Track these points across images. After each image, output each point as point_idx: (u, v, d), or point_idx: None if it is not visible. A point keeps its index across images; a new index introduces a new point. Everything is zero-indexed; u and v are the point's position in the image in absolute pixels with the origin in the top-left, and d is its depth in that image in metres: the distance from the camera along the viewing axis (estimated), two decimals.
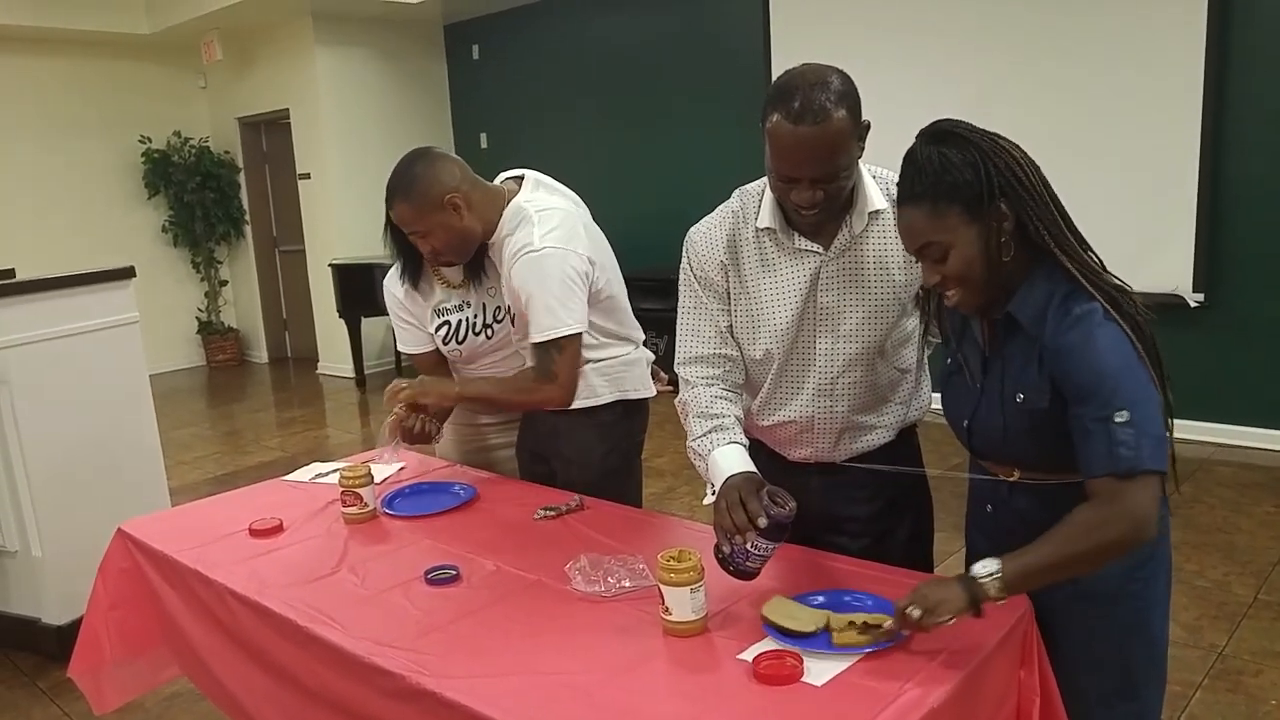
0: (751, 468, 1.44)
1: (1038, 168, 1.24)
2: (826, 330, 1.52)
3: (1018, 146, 1.25)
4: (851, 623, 1.24)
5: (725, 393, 1.56)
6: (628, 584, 1.45)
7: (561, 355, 1.82)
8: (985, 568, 1.17)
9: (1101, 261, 1.26)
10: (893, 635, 1.21)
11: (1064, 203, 1.26)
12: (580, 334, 1.84)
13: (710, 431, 1.50)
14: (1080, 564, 1.18)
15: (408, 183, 1.86)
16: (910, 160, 1.25)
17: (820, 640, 1.24)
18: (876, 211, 1.48)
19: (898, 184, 1.28)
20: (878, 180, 1.50)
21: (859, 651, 1.21)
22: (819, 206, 1.40)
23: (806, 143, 1.33)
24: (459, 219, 1.86)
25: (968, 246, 1.23)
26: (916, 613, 1.16)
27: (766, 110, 1.36)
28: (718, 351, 1.57)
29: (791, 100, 1.32)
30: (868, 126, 1.40)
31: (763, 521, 1.29)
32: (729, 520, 1.32)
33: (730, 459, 1.45)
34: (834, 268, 1.49)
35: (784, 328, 1.52)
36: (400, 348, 2.22)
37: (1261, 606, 2.77)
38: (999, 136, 1.24)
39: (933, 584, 1.22)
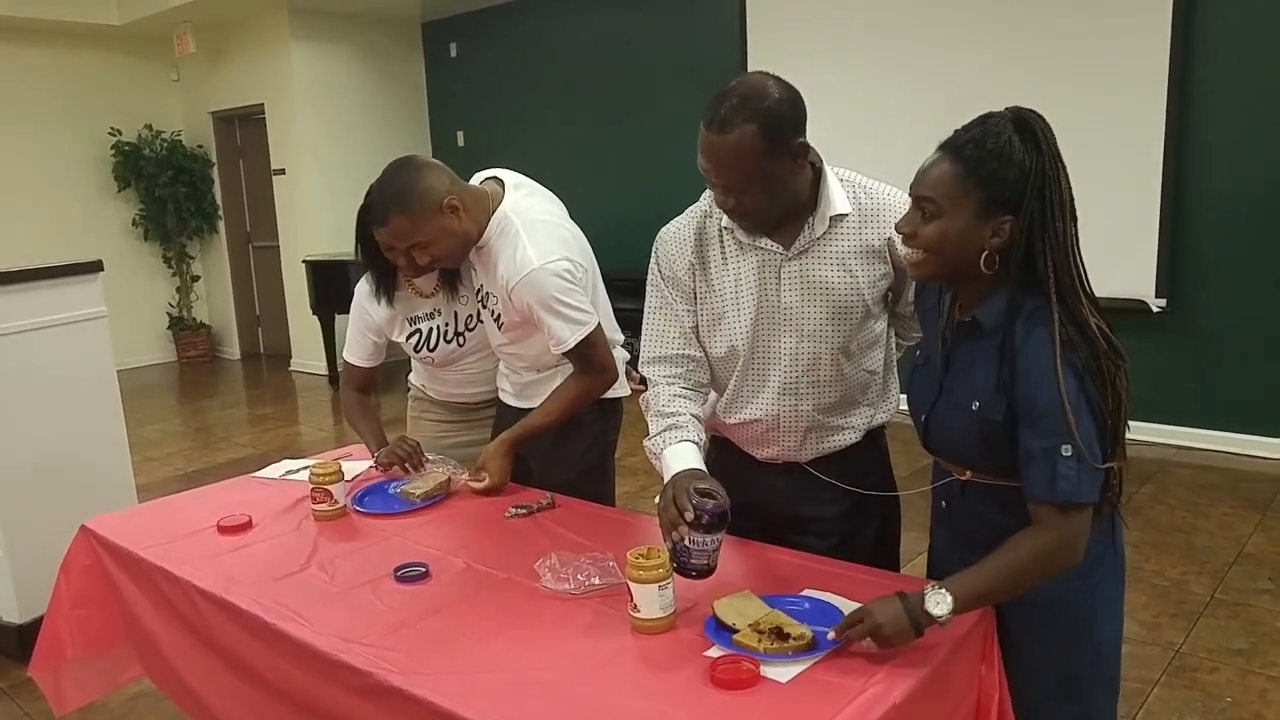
0: (697, 465, 1.45)
1: (1074, 212, 1.22)
2: (790, 330, 1.53)
3: (1068, 181, 1.21)
4: (753, 625, 1.25)
5: (685, 391, 1.58)
6: (597, 581, 1.46)
7: (594, 348, 1.88)
8: (941, 607, 1.18)
9: (1100, 319, 1.22)
10: (787, 652, 1.21)
11: None
12: (598, 322, 1.88)
13: (664, 430, 1.52)
14: (1021, 588, 1.25)
15: (400, 194, 1.79)
16: (982, 121, 1.21)
17: (724, 638, 1.26)
18: (840, 215, 1.50)
19: (959, 129, 1.23)
20: (844, 184, 1.52)
21: (769, 658, 1.20)
22: (735, 212, 1.46)
23: (712, 148, 1.39)
24: (459, 222, 1.83)
25: (954, 230, 1.22)
26: (873, 646, 1.19)
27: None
28: (681, 352, 1.59)
29: (717, 105, 1.38)
30: (804, 146, 1.43)
31: (689, 515, 1.31)
32: (664, 518, 1.36)
33: (679, 457, 1.47)
34: (794, 267, 1.51)
35: (744, 325, 1.54)
36: (346, 353, 2.18)
37: (1218, 605, 2.84)
38: (1062, 164, 1.21)
39: (883, 607, 1.20)
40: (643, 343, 1.64)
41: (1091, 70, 4.25)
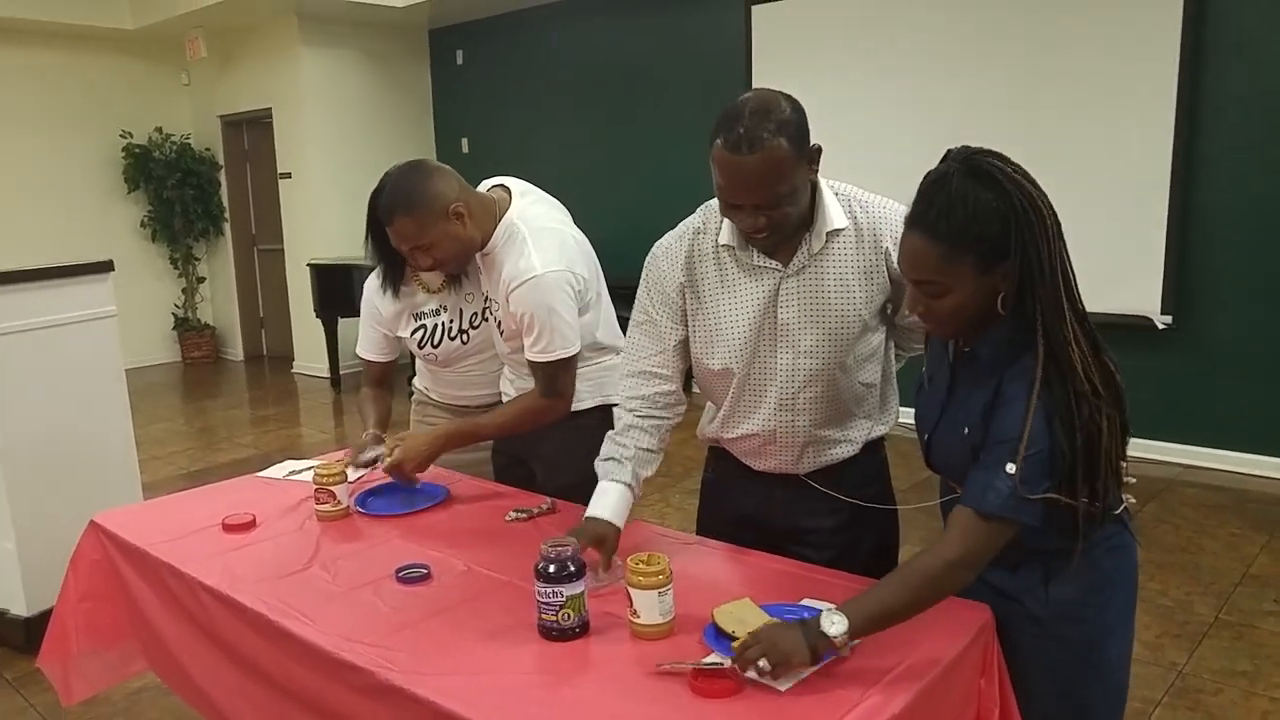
0: (606, 514, 1.50)
1: (1060, 232, 1.19)
2: (786, 346, 1.53)
3: (1047, 201, 1.19)
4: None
5: (642, 418, 1.60)
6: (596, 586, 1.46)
7: (566, 373, 1.88)
8: (835, 627, 1.16)
9: (1088, 354, 1.21)
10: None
11: None
12: (578, 350, 1.88)
13: (607, 459, 1.57)
14: (920, 606, 1.22)
15: (409, 197, 1.83)
16: (941, 187, 1.19)
17: (723, 646, 1.25)
18: (836, 230, 1.49)
19: (915, 202, 1.22)
20: (840, 197, 1.51)
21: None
22: (764, 231, 1.43)
23: (743, 170, 1.36)
24: (464, 228, 1.86)
25: (967, 295, 1.21)
26: (768, 665, 1.14)
27: (712, 135, 1.39)
28: (654, 370, 1.61)
29: (733, 128, 1.35)
30: (818, 151, 1.42)
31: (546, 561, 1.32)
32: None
33: (599, 499, 1.52)
34: (793, 284, 1.51)
35: (741, 343, 1.54)
36: (359, 349, 2.22)
37: (1222, 626, 2.82)
38: (1033, 188, 1.18)
39: (779, 631, 1.19)
40: (623, 354, 1.66)
41: (1099, 83, 4.26)
